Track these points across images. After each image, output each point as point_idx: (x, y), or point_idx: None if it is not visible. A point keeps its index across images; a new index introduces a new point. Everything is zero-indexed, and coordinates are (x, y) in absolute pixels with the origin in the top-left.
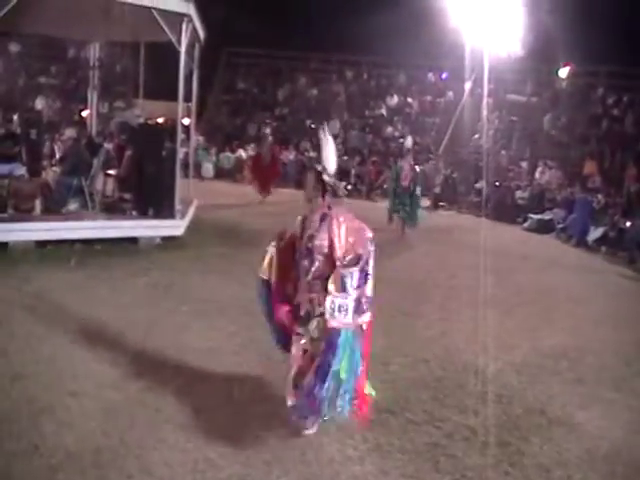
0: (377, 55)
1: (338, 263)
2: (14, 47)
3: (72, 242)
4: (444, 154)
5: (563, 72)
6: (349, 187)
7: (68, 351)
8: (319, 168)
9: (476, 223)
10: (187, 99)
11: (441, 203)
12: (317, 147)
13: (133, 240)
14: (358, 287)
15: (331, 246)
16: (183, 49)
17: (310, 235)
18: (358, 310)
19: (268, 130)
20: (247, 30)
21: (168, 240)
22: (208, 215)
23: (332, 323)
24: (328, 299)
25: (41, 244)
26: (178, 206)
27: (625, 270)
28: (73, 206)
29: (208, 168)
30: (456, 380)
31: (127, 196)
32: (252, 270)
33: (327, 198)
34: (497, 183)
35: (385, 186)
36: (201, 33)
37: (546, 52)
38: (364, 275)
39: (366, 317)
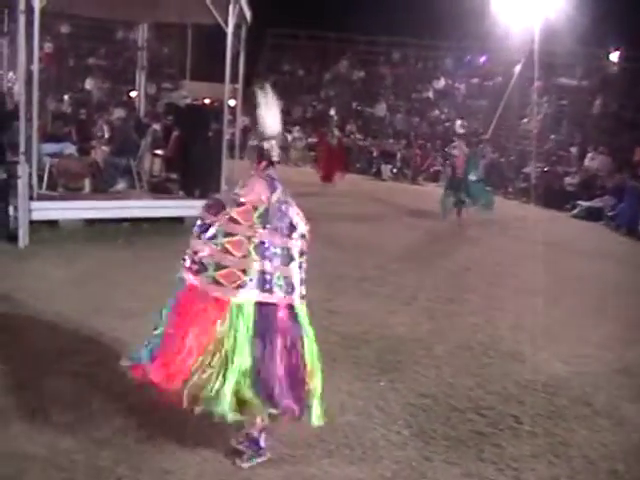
0: (424, 38)
1: None
2: (64, 29)
3: (120, 221)
4: (491, 138)
5: (614, 56)
6: (395, 170)
7: (115, 327)
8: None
9: (523, 209)
10: (233, 80)
11: (487, 188)
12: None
13: (179, 220)
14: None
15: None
16: (230, 30)
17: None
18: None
19: (333, 111)
20: (293, 11)
21: None
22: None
23: None
24: None
25: (90, 222)
26: (224, 186)
27: None
28: (121, 186)
29: None
30: (501, 368)
31: (174, 176)
32: None
33: (263, 163)
34: (545, 169)
35: (431, 170)
36: (248, 14)
37: (597, 35)
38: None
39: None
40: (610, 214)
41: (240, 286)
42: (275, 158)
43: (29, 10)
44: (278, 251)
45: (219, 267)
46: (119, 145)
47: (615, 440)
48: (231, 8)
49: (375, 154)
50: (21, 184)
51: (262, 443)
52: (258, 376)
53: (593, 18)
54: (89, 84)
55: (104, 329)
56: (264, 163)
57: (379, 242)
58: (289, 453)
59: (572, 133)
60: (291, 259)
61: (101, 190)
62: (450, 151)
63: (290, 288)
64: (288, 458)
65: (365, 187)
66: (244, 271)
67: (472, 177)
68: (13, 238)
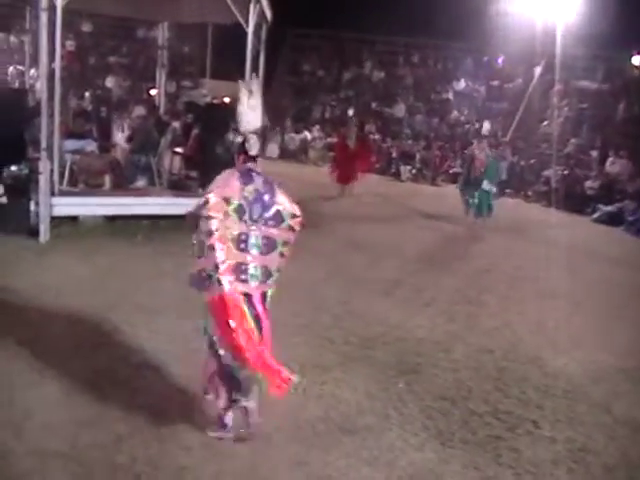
0: (444, 39)
1: None
2: (86, 27)
3: (139, 218)
4: (511, 141)
5: (636, 60)
6: (414, 171)
7: (134, 322)
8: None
9: (543, 213)
10: None
11: (507, 190)
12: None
13: None
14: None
15: None
16: (251, 30)
17: None
18: None
19: (352, 112)
20: (313, 11)
21: None
22: None
23: None
24: None
25: (110, 219)
26: None
27: None
28: (141, 183)
29: (273, 148)
30: (520, 372)
31: (193, 174)
32: (314, 251)
33: (242, 157)
34: (566, 172)
35: (450, 171)
36: (268, 14)
37: (618, 38)
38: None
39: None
40: (630, 219)
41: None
42: (254, 152)
43: (51, 8)
44: (259, 242)
45: (220, 264)
46: (139, 143)
47: (634, 448)
48: (252, 7)
49: (394, 155)
50: (43, 180)
51: (227, 421)
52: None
53: (614, 21)
54: (110, 82)
55: (123, 325)
56: (243, 157)
57: (397, 243)
58: (307, 454)
59: (592, 137)
60: (273, 248)
61: (121, 187)
62: (472, 152)
63: (265, 277)
64: (305, 459)
65: (384, 188)
66: (224, 262)
67: (486, 186)
68: (34, 233)
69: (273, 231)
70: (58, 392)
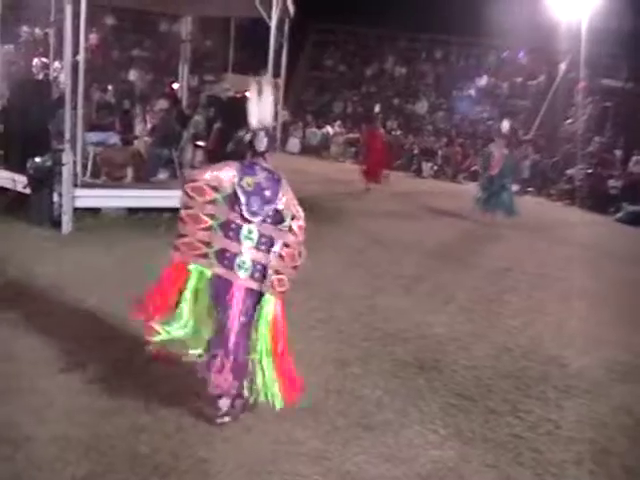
0: (466, 35)
1: None
2: (109, 20)
3: (161, 210)
4: (534, 139)
5: None
6: (435, 168)
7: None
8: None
9: (566, 211)
10: (275, 74)
11: (529, 189)
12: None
13: None
14: None
15: None
16: (274, 24)
17: None
18: None
19: (378, 108)
20: (335, 7)
21: None
22: (293, 190)
23: None
24: None
25: (132, 211)
26: None
27: None
28: (163, 176)
29: (295, 143)
30: (540, 372)
31: None
32: (334, 246)
33: (250, 152)
34: (589, 171)
35: (472, 169)
36: (291, 8)
37: None
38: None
39: None
40: None
41: (201, 256)
42: (261, 148)
43: (76, 1)
44: (253, 235)
45: (180, 236)
46: (162, 136)
47: None
48: (275, 2)
49: (416, 151)
50: (66, 171)
51: (221, 405)
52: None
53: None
54: (133, 75)
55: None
56: (251, 153)
57: (418, 240)
58: (326, 449)
59: (616, 135)
60: (270, 246)
61: (143, 180)
62: (489, 150)
63: (259, 274)
64: (324, 454)
65: (405, 184)
66: (207, 244)
67: (507, 183)
68: (57, 224)
69: (271, 228)
70: (79, 381)
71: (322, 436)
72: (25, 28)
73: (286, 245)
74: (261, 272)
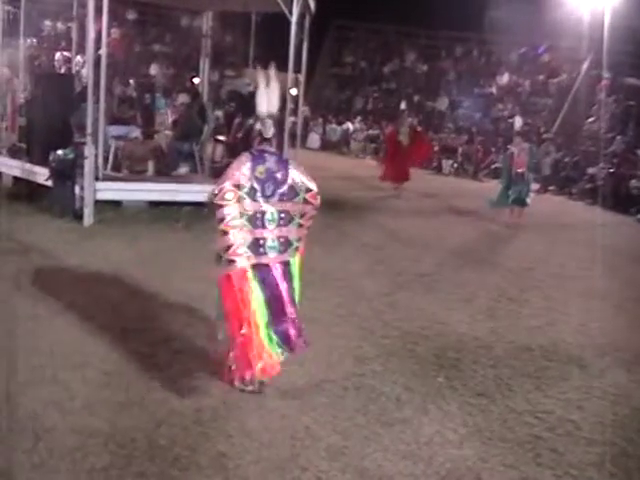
0: (488, 32)
1: None
2: (131, 15)
3: (181, 204)
4: (556, 137)
5: None
6: (455, 165)
7: (174, 308)
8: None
9: (587, 211)
10: (296, 70)
11: (550, 188)
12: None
13: None
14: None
15: None
16: (294, 19)
17: None
18: None
19: (404, 105)
20: (356, 3)
21: None
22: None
23: None
24: None
25: (152, 204)
26: None
27: None
28: (183, 170)
29: (315, 139)
30: (561, 372)
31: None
32: (355, 244)
33: (258, 139)
34: (611, 170)
35: (492, 167)
36: (312, 4)
37: None
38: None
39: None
40: None
41: (245, 257)
42: (269, 135)
43: None
44: (274, 216)
45: (227, 248)
46: (183, 130)
47: None
48: None
49: (436, 148)
50: (87, 164)
51: (247, 376)
52: (276, 326)
53: None
54: (154, 70)
55: (164, 310)
56: (259, 139)
57: (439, 238)
58: (345, 445)
59: (639, 135)
60: (290, 220)
61: (164, 173)
62: (510, 150)
63: (285, 247)
64: (343, 450)
65: (425, 182)
66: (243, 242)
67: (528, 177)
68: (78, 217)
69: (288, 205)
70: (100, 374)
71: (341, 432)
72: (47, 22)
73: (304, 215)
74: (285, 244)
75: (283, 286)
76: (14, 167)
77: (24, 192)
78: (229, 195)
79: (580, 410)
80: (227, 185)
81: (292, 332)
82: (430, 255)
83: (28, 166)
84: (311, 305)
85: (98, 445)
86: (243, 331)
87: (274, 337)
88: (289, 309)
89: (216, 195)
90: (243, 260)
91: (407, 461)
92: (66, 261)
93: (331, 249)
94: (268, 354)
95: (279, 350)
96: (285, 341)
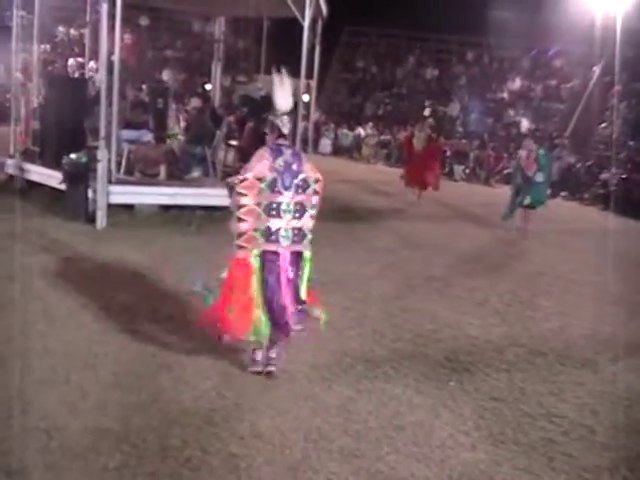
0: (499, 37)
1: None
2: (144, 21)
3: (194, 208)
4: (568, 142)
5: None
6: (467, 171)
7: (185, 310)
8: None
9: (599, 216)
10: (307, 76)
11: (562, 193)
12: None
13: None
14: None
15: None
16: (307, 24)
17: None
18: None
19: (427, 111)
20: (367, 9)
21: None
22: (327, 190)
23: None
24: None
25: (164, 208)
26: None
27: None
28: (196, 174)
29: (326, 144)
30: (574, 376)
31: None
32: (367, 247)
33: (275, 134)
34: (623, 176)
35: (504, 172)
36: (324, 8)
37: None
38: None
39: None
40: None
41: (256, 243)
42: (285, 130)
43: (111, 1)
44: (290, 207)
45: (240, 234)
46: (195, 134)
47: None
48: (308, 1)
49: (448, 154)
50: (100, 168)
51: (258, 357)
52: (271, 309)
53: None
54: (166, 75)
55: (176, 312)
56: (276, 134)
57: (451, 242)
58: (357, 447)
59: None
60: (304, 211)
61: (176, 177)
62: (519, 154)
63: (298, 237)
64: (356, 452)
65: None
66: (256, 230)
67: (538, 178)
68: (91, 220)
69: (302, 196)
70: (113, 374)
71: (353, 434)
72: (61, 28)
73: (314, 206)
74: (298, 235)
75: (288, 275)
76: (27, 170)
77: (37, 195)
78: (251, 185)
79: (594, 414)
80: (250, 176)
81: (282, 320)
82: (441, 259)
83: (41, 169)
84: (323, 308)
85: (110, 445)
86: (247, 295)
87: (264, 318)
88: (287, 299)
89: (239, 183)
90: (251, 249)
91: (420, 464)
92: (79, 263)
93: (342, 252)
94: (258, 327)
95: (266, 330)
96: (274, 325)
